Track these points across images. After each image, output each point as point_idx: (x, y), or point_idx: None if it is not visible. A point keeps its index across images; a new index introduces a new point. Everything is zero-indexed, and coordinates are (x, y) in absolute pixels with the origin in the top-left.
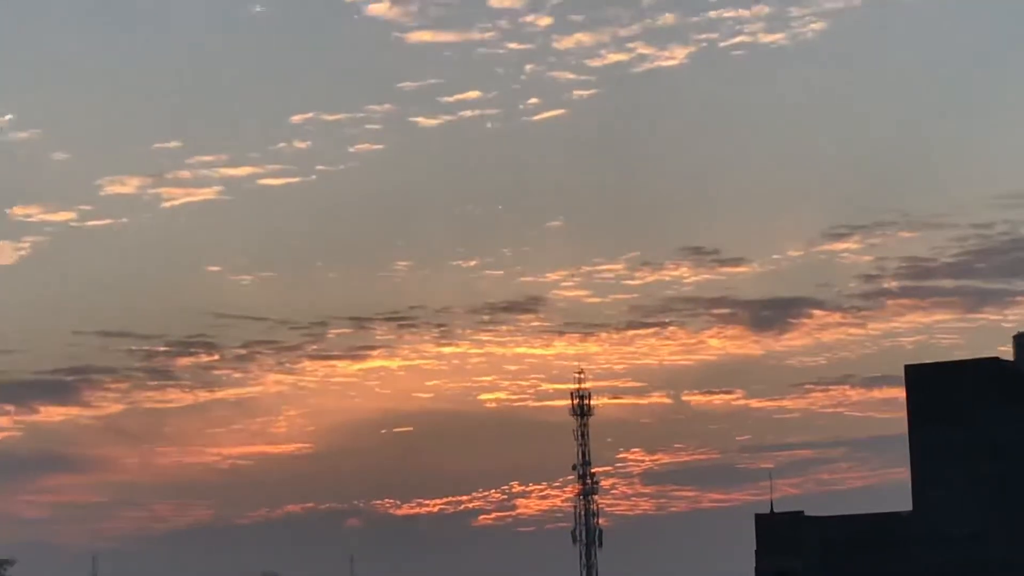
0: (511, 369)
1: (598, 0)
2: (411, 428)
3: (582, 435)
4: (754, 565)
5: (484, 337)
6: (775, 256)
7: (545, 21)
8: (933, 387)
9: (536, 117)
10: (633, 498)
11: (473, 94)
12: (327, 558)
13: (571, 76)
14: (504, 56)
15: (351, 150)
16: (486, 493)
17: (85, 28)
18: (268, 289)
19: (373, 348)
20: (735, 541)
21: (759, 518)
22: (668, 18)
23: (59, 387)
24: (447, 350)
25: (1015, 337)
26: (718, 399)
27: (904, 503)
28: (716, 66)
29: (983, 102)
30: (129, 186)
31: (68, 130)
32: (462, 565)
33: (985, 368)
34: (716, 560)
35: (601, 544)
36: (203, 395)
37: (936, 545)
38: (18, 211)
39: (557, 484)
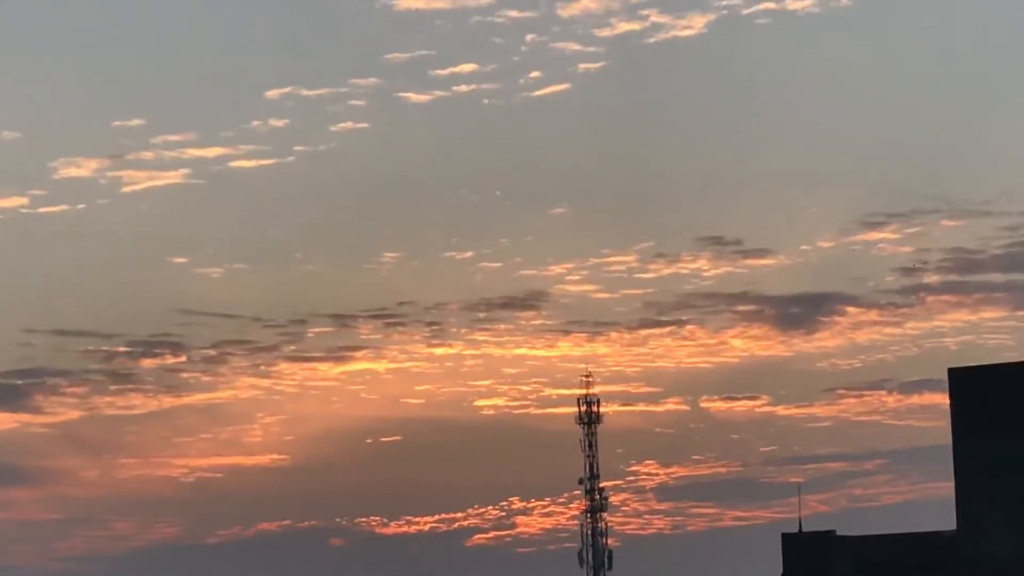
0: (510, 372)
1: None
2: (400, 437)
3: (590, 445)
4: None
5: (480, 337)
6: (804, 247)
7: None
8: (980, 392)
9: (538, 93)
10: (646, 516)
11: (468, 67)
12: None
13: (577, 47)
14: (502, 25)
15: (333, 129)
16: (483, 510)
17: None
18: (240, 283)
19: (357, 349)
20: (759, 563)
21: (786, 538)
22: None
23: (8, 392)
24: (439, 351)
25: None
26: (741, 406)
27: (947, 521)
28: (739, 36)
29: None
30: (86, 169)
31: (17, 108)
32: None
33: None
34: None
35: (611, 567)
36: (168, 400)
37: (982, 567)
38: None
39: (562, 500)
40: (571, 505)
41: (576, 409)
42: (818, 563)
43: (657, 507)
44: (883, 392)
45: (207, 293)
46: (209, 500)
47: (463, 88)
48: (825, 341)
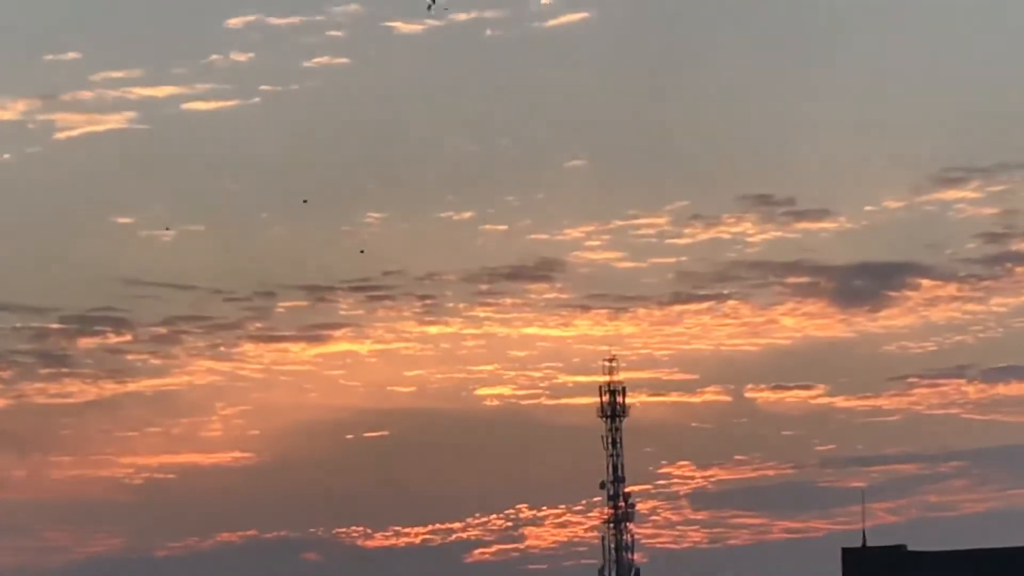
0: (518, 356)
1: None
2: (386, 432)
3: (613, 443)
4: None
5: (482, 313)
6: (868, 208)
7: None
8: None
9: (551, 23)
10: (680, 527)
11: None
12: None
13: None
14: None
15: (306, 65)
16: (485, 519)
17: None
18: (196, 248)
19: (336, 327)
20: None
21: (847, 554)
22: None
23: None
24: (433, 330)
25: None
26: (793, 397)
27: None
28: None
29: None
30: (12, 111)
31: None
32: None
33: None
34: None
35: None
36: (110, 387)
37: None
38: None
39: (579, 508)
40: (590, 514)
41: (597, 400)
42: None
43: (693, 516)
44: (963, 381)
45: (156, 260)
46: (159, 506)
47: (462, 17)
48: (893, 320)
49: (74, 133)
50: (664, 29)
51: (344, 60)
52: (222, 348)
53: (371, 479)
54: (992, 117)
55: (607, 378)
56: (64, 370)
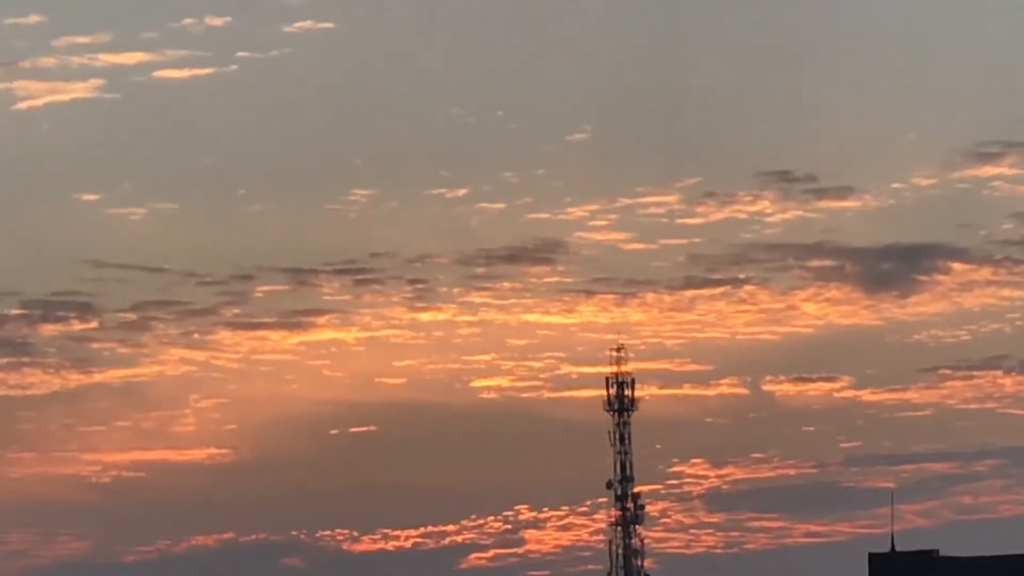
0: (517, 345)
1: None
2: (374, 428)
3: (621, 439)
4: None
5: (478, 299)
6: (896, 185)
7: None
8: None
9: None
10: (693, 530)
11: None
12: None
13: None
14: None
15: (287, 30)
16: (481, 521)
17: None
18: (168, 228)
19: (319, 313)
20: None
21: (875, 560)
22: None
23: None
24: (425, 317)
25: None
26: (815, 389)
27: None
28: None
29: None
30: None
31: None
32: None
33: None
34: None
35: None
36: (75, 378)
37: None
38: None
39: (583, 509)
40: (596, 516)
41: (603, 392)
42: None
43: (707, 519)
44: (998, 372)
45: (125, 240)
46: (128, 506)
47: None
48: (924, 306)
49: (36, 103)
50: None
51: (328, 25)
52: (196, 336)
53: (358, 478)
54: None
55: (614, 369)
56: (24, 359)
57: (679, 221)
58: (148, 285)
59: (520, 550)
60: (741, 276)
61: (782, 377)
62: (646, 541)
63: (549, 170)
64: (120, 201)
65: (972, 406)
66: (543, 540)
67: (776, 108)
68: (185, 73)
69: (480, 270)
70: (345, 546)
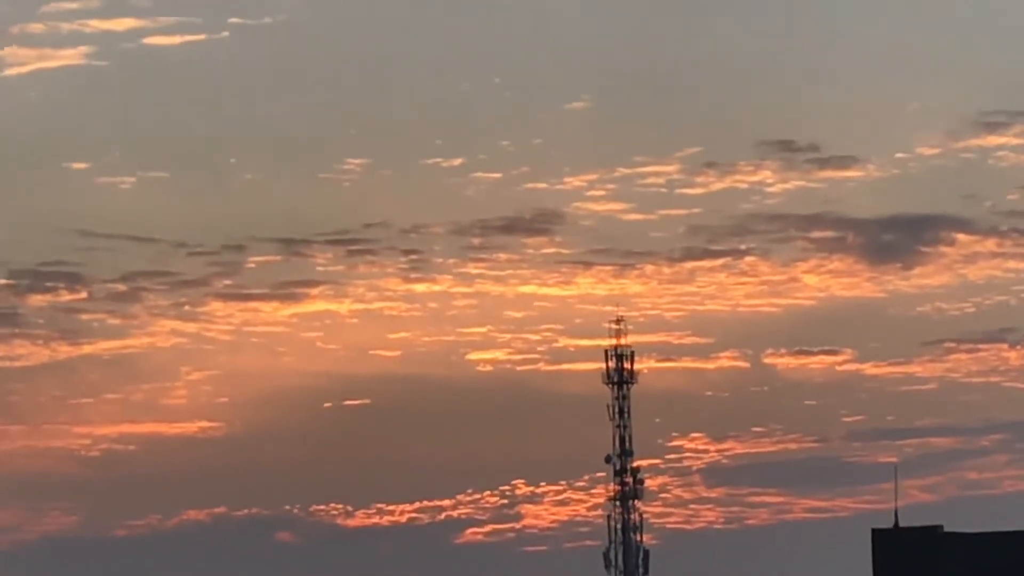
0: (514, 317)
1: None
2: (368, 401)
3: (620, 413)
4: None
5: (474, 270)
6: (899, 155)
7: None
8: None
9: None
10: (692, 505)
11: None
12: None
13: None
14: None
15: None
16: (477, 496)
17: None
18: (158, 197)
19: (312, 284)
20: (841, 567)
21: (878, 535)
22: None
23: None
24: (420, 288)
25: None
26: (817, 363)
27: None
28: None
29: None
30: None
31: None
32: None
33: None
34: None
35: (646, 571)
36: (64, 349)
37: None
38: None
39: (581, 484)
40: (594, 491)
41: (602, 365)
42: (920, 567)
43: (707, 494)
44: (1004, 346)
45: (114, 209)
46: (118, 480)
47: None
48: (928, 278)
49: (23, 70)
50: None
51: None
52: (187, 307)
53: (352, 452)
54: None
55: (613, 341)
56: (12, 330)
57: (679, 191)
58: (138, 255)
59: (517, 525)
60: (742, 247)
61: (783, 350)
62: (645, 516)
63: (547, 139)
64: (110, 170)
65: (977, 380)
66: (540, 515)
67: (778, 76)
68: (176, 40)
69: (476, 241)
70: (339, 521)
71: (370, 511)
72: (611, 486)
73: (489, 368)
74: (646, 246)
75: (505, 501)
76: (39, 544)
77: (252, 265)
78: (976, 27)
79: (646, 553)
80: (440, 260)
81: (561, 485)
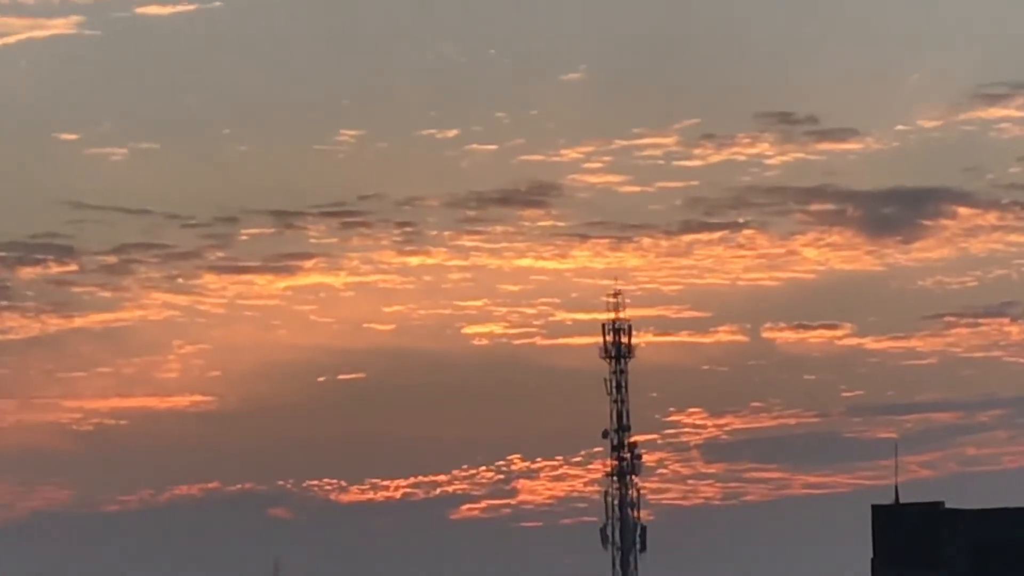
0: (510, 290)
1: None
2: (363, 375)
3: (617, 387)
4: None
5: (469, 243)
6: (899, 127)
7: None
8: None
9: None
10: (690, 481)
11: None
12: (239, 562)
13: None
14: None
15: None
16: (473, 472)
17: None
18: (150, 168)
19: (306, 257)
20: (841, 544)
21: (878, 512)
22: None
23: None
24: (415, 261)
25: None
26: (816, 337)
27: None
28: None
29: None
30: None
31: None
32: (436, 574)
33: None
34: (813, 572)
35: (644, 547)
36: (55, 323)
37: None
38: None
39: (578, 460)
40: (591, 466)
41: (599, 339)
42: (920, 544)
43: (705, 470)
44: (1005, 320)
45: (105, 181)
46: (109, 455)
47: None
48: (928, 252)
49: (12, 40)
50: None
51: None
52: (179, 280)
53: (346, 426)
54: None
55: (611, 315)
56: (2, 303)
57: (676, 163)
58: (129, 227)
59: (513, 501)
60: (740, 220)
61: (782, 324)
62: (642, 492)
63: (543, 110)
64: (100, 141)
65: (978, 354)
66: (536, 491)
67: (777, 48)
68: (168, 9)
69: (471, 213)
70: (333, 496)
71: (364, 487)
72: (608, 461)
73: (485, 342)
74: (643, 219)
75: (501, 477)
76: (29, 520)
77: (245, 237)
78: None
79: (643, 529)
80: (435, 233)
81: (557, 460)
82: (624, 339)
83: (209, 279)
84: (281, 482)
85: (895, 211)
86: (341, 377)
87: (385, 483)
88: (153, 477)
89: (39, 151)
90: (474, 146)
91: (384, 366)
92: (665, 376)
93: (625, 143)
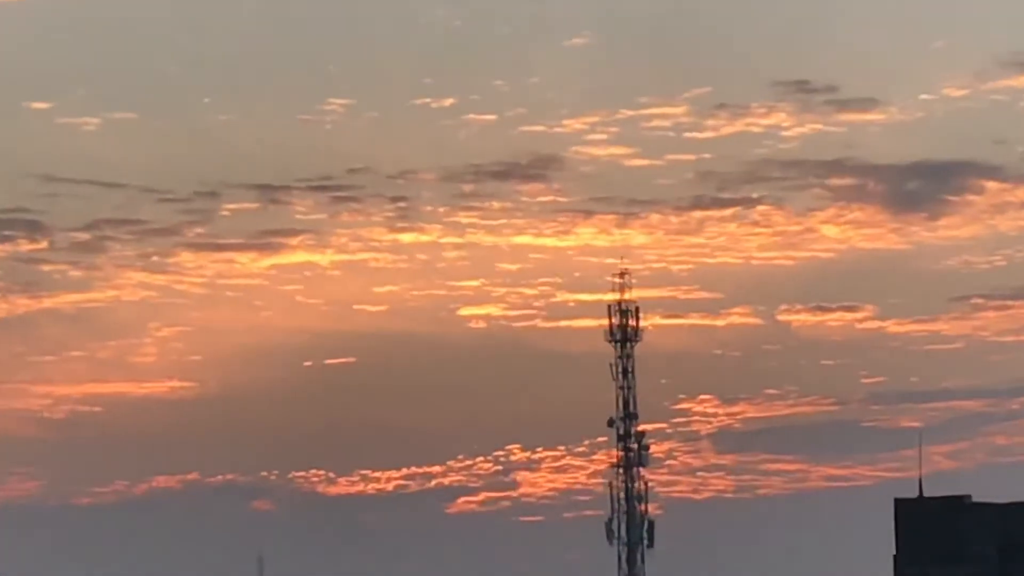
0: (509, 270)
1: None
2: (353, 359)
3: (623, 373)
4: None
5: (466, 219)
6: (924, 97)
7: None
8: None
9: None
10: (701, 473)
11: None
12: (220, 558)
13: None
14: None
15: None
16: (469, 462)
17: None
18: (125, 139)
19: (292, 234)
20: (861, 539)
21: (901, 505)
22: None
23: None
24: (407, 238)
25: None
26: (835, 320)
27: None
28: None
29: None
30: None
31: None
32: (430, 572)
33: None
34: (833, 569)
35: (651, 543)
36: (23, 303)
37: None
38: None
39: (581, 450)
40: (595, 457)
41: (604, 322)
42: (945, 539)
43: (717, 460)
44: None
45: (78, 153)
46: (82, 444)
47: None
48: (955, 229)
49: None
50: None
51: None
52: (156, 258)
53: (334, 414)
54: None
55: (617, 296)
56: None
57: (686, 135)
58: (103, 202)
59: (512, 493)
60: (754, 195)
61: (799, 306)
62: (650, 484)
63: (544, 78)
64: (73, 110)
65: (1007, 339)
66: (537, 483)
67: (794, 11)
68: None
69: (468, 188)
70: (320, 488)
71: (354, 478)
72: (613, 452)
73: (482, 324)
74: (651, 194)
75: (499, 468)
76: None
77: (226, 213)
78: None
79: (651, 524)
80: (429, 208)
81: (560, 451)
82: (631, 322)
83: (188, 257)
84: (265, 473)
85: (919, 186)
86: (329, 362)
87: (376, 475)
88: (128, 468)
89: (8, 120)
90: (471, 116)
91: (375, 350)
92: (674, 361)
93: (632, 113)
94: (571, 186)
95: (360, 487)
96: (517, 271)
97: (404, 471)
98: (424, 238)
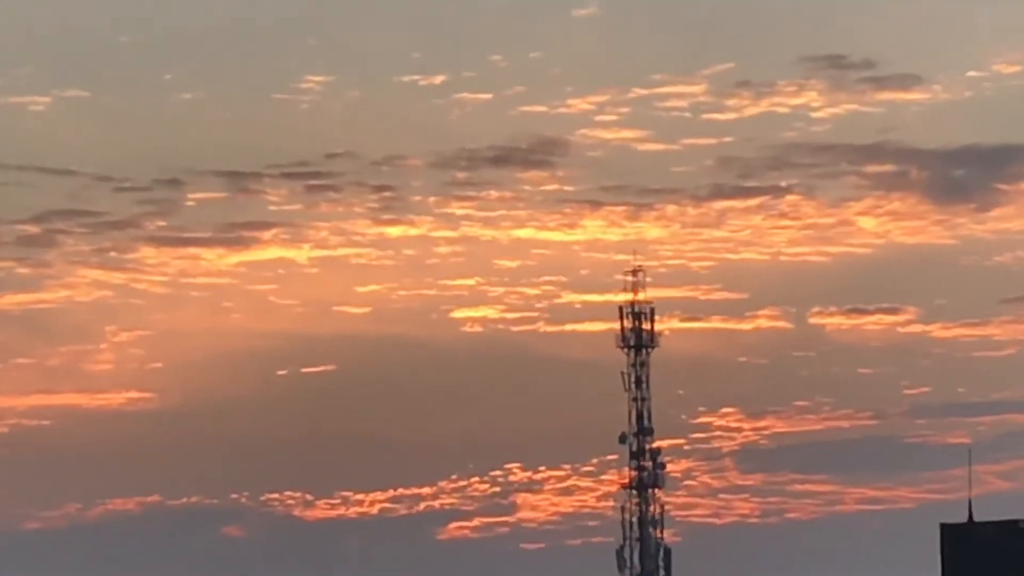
0: (507, 267)
1: None
2: (333, 367)
3: (636, 383)
4: None
5: (459, 210)
6: (972, 74)
7: None
8: None
9: None
10: (723, 495)
11: None
12: None
13: None
14: None
15: None
16: (464, 483)
17: None
18: (78, 121)
19: (264, 227)
20: (904, 570)
21: (948, 531)
22: None
23: None
24: (394, 232)
25: None
26: (873, 323)
27: None
28: None
29: None
30: None
31: None
32: None
33: None
34: None
35: (668, 572)
36: None
37: None
38: None
39: (589, 469)
40: (604, 477)
41: (615, 325)
42: (998, 569)
43: (741, 481)
44: None
45: (25, 136)
46: (29, 462)
47: None
48: (1006, 222)
49: None
50: None
51: None
52: (112, 254)
53: (312, 428)
54: None
55: (629, 297)
56: None
57: (706, 116)
58: (54, 191)
59: (511, 518)
60: (782, 184)
61: (833, 308)
62: (666, 508)
63: (547, 53)
64: (19, 88)
65: None
66: (540, 506)
67: None
68: None
69: (461, 175)
70: (296, 512)
71: (334, 501)
72: (625, 471)
73: (478, 328)
74: (667, 182)
75: (497, 489)
76: None
77: (191, 203)
78: None
79: (667, 551)
80: (418, 198)
81: (565, 470)
82: (645, 325)
83: (148, 253)
84: (235, 495)
85: (967, 173)
86: (306, 370)
87: (359, 497)
88: (82, 489)
89: None
90: (464, 95)
91: (357, 357)
92: (693, 369)
93: (645, 92)
94: (577, 173)
95: (341, 510)
96: (517, 269)
97: (390, 492)
98: (412, 232)
